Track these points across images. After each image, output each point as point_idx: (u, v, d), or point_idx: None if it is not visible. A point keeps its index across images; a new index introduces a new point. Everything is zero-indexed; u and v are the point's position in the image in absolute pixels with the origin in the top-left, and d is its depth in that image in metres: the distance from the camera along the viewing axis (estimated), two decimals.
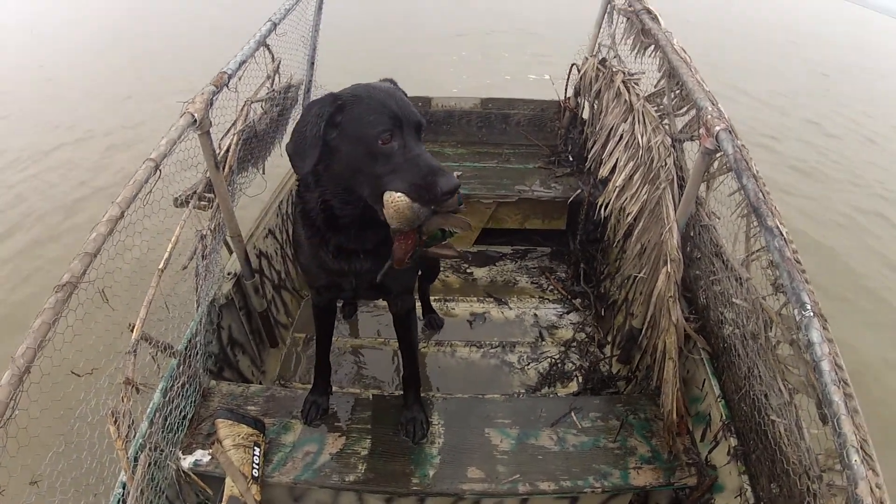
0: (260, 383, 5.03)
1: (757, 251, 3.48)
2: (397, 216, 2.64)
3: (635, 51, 5.39)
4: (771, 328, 3.24)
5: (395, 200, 2.62)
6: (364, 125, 2.70)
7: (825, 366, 2.47)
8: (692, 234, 4.21)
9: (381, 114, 2.71)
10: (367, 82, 3.01)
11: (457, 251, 3.49)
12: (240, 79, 4.21)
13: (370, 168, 2.72)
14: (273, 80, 5.09)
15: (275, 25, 4.72)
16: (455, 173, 2.66)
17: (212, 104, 3.73)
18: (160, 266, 3.47)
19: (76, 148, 11.09)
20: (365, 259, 3.26)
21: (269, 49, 4.83)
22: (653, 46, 4.96)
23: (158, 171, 3.17)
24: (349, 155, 2.77)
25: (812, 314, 2.61)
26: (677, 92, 4.57)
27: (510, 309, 6.31)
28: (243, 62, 4.14)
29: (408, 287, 3.89)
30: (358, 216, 3.03)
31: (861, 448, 2.31)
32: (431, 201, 2.64)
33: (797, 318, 2.67)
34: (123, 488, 3.03)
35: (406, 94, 3.03)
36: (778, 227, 2.93)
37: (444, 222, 2.92)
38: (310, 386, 4.18)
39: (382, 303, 5.16)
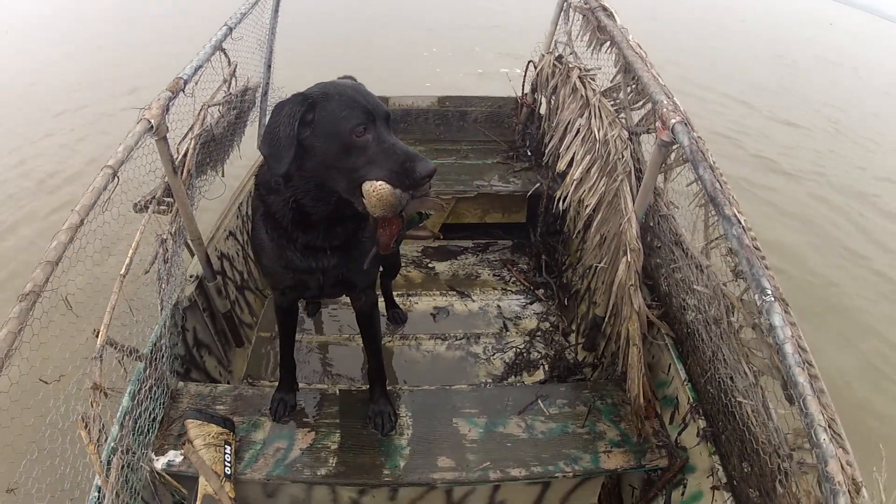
0: (227, 383, 5.04)
1: (716, 239, 3.55)
2: (381, 204, 2.70)
3: (591, 47, 5.43)
4: (733, 313, 3.30)
5: (378, 189, 2.68)
6: (338, 121, 2.75)
7: (789, 348, 2.51)
8: (652, 224, 4.25)
9: (352, 108, 2.77)
10: (329, 80, 3.05)
11: (431, 232, 3.60)
12: (196, 83, 4.21)
13: (346, 162, 2.77)
14: (230, 84, 5.10)
15: (230, 30, 4.72)
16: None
17: (168, 110, 3.73)
18: (122, 271, 3.46)
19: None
20: (332, 255, 3.31)
21: (225, 53, 4.83)
22: (608, 42, 5.00)
23: (116, 178, 3.17)
24: (324, 151, 2.80)
25: (773, 298, 2.65)
26: (633, 86, 4.62)
27: (473, 301, 6.36)
28: (199, 67, 4.15)
29: (371, 281, 3.94)
30: (328, 213, 3.09)
31: (829, 427, 2.35)
32: (411, 186, 2.73)
33: (758, 303, 2.71)
34: (99, 492, 3.03)
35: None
36: (736, 216, 2.97)
37: (421, 206, 3.02)
38: (277, 384, 4.19)
39: (345, 300, 5.19)
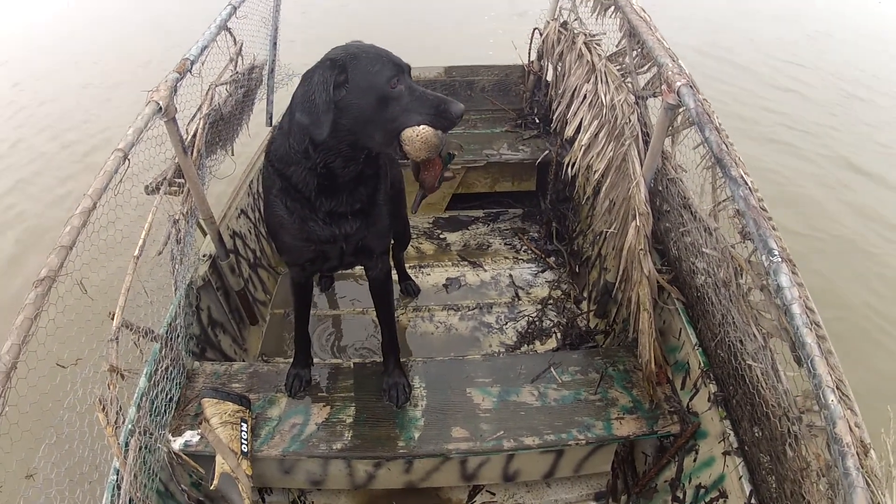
0: (242, 361, 5.05)
1: (723, 201, 3.54)
2: (425, 146, 2.86)
3: (595, 12, 5.39)
4: (741, 275, 3.31)
5: (421, 133, 2.84)
6: (373, 76, 2.87)
7: (796, 309, 2.53)
8: (660, 188, 4.25)
9: (383, 63, 2.90)
10: (345, 44, 3.11)
11: (453, 172, 3.72)
12: (203, 64, 4.21)
13: (384, 114, 2.90)
14: (236, 63, 5.10)
15: (235, 9, 4.73)
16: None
17: (176, 91, 3.74)
18: (135, 253, 3.49)
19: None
20: (354, 220, 3.39)
21: (230, 32, 4.82)
22: (612, 7, 4.97)
23: (127, 161, 3.19)
24: (360, 108, 2.90)
25: (780, 259, 2.67)
26: (638, 51, 4.59)
27: (485, 271, 6.37)
28: (205, 47, 4.16)
29: (387, 247, 3.99)
30: (356, 173, 3.20)
31: (837, 388, 2.37)
32: (449, 126, 2.91)
33: (766, 264, 2.72)
34: (117, 474, 3.07)
35: None
36: (742, 177, 2.98)
37: (447, 147, 3.18)
38: (291, 360, 4.22)
39: (358, 273, 5.22)
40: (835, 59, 14.29)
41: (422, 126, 2.83)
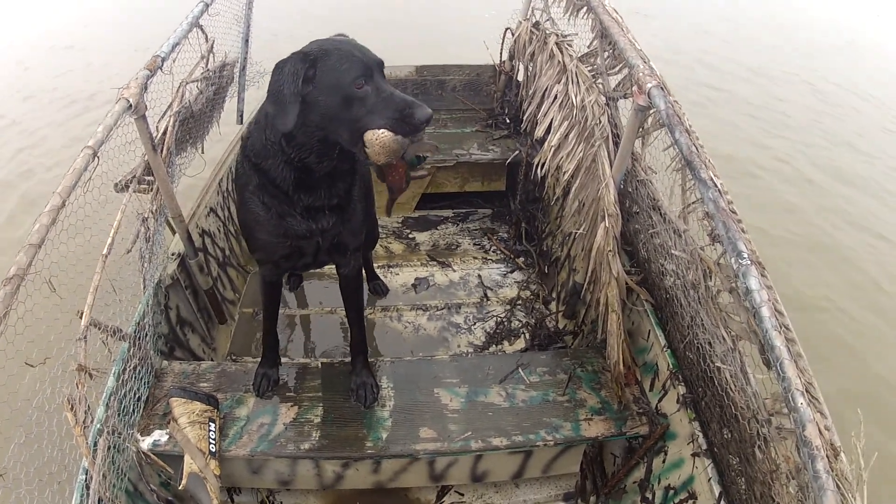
0: (211, 360, 5.03)
1: (693, 203, 3.56)
2: (384, 151, 2.83)
3: (568, 13, 5.40)
4: (711, 277, 3.33)
5: (380, 137, 2.81)
6: (339, 74, 2.86)
7: (765, 312, 2.54)
8: (630, 189, 4.26)
9: (351, 62, 2.88)
10: (325, 38, 3.16)
11: (425, 171, 3.72)
12: (174, 61, 4.19)
13: (348, 113, 2.88)
14: (208, 60, 5.07)
15: (207, 6, 4.71)
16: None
17: (146, 88, 3.73)
18: (104, 251, 3.46)
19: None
20: (331, 215, 3.41)
21: (202, 29, 4.80)
22: (584, 8, 4.98)
23: (97, 158, 3.17)
24: (327, 104, 2.90)
25: (749, 262, 2.69)
26: (610, 52, 4.60)
27: (454, 271, 6.38)
28: (176, 44, 4.14)
29: (360, 244, 3.98)
30: (331, 168, 3.21)
31: (806, 391, 2.39)
32: (411, 132, 2.86)
33: (735, 267, 2.75)
34: (86, 474, 3.05)
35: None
36: (712, 179, 3.00)
37: (418, 149, 3.18)
38: (259, 359, 4.21)
39: (326, 272, 5.21)
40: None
41: (381, 130, 2.81)
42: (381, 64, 2.97)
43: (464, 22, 14.94)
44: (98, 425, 3.22)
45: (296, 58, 2.90)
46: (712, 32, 16.22)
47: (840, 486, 2.25)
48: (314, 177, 3.22)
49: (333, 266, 4.05)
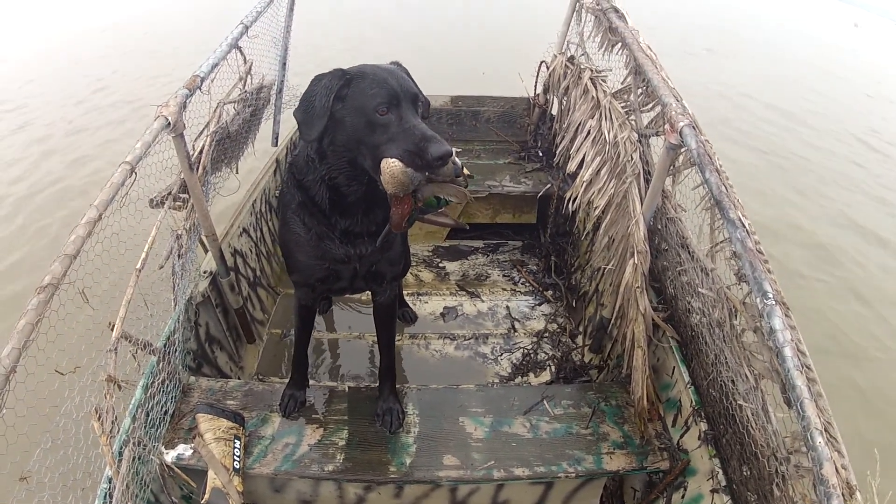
0: (238, 378, 5.07)
1: (721, 242, 3.56)
2: (392, 181, 2.76)
3: (603, 48, 5.43)
4: (736, 316, 3.32)
5: (390, 166, 2.75)
6: (365, 98, 2.86)
7: (788, 352, 2.55)
8: (659, 226, 4.28)
9: (380, 88, 2.87)
10: (375, 63, 3.16)
11: (453, 220, 3.65)
12: (212, 81, 4.24)
13: (371, 138, 2.87)
14: (245, 82, 5.12)
15: (246, 28, 4.77)
16: (454, 150, 2.82)
17: (185, 107, 3.78)
18: (137, 266, 3.51)
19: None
20: (369, 241, 3.42)
21: (240, 51, 4.86)
22: (620, 44, 5.01)
23: (134, 174, 3.22)
24: (352, 125, 2.91)
25: (774, 302, 2.69)
26: (643, 88, 4.63)
27: (482, 301, 6.39)
28: (215, 65, 4.20)
29: (398, 274, 4.03)
30: (364, 194, 3.21)
31: (825, 430, 2.39)
32: (424, 167, 2.77)
33: (759, 307, 2.75)
34: (109, 483, 3.08)
35: (410, 75, 3.19)
36: (740, 219, 3.01)
37: (440, 190, 3.03)
38: (287, 380, 4.24)
39: (356, 297, 5.25)
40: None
41: (393, 159, 2.77)
42: (413, 96, 2.97)
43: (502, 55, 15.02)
44: (124, 436, 3.25)
45: (334, 74, 2.95)
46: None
47: None
48: (347, 200, 3.24)
49: (362, 292, 4.08)
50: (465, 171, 3.07)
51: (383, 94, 2.85)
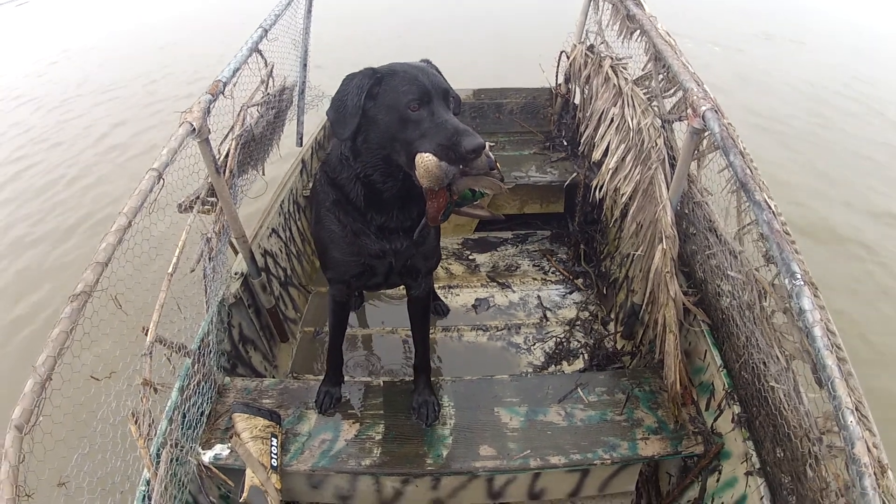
0: (273, 377, 5.11)
1: (748, 225, 3.56)
2: (426, 175, 2.82)
3: (621, 36, 5.42)
4: (765, 298, 3.33)
5: (425, 160, 2.80)
6: (398, 95, 2.93)
7: (817, 332, 2.55)
8: (686, 211, 4.27)
9: (411, 84, 2.94)
10: (405, 61, 3.20)
11: (489, 212, 3.68)
12: (234, 85, 4.28)
13: (404, 134, 2.94)
14: (267, 84, 5.17)
15: (266, 31, 4.80)
16: (488, 144, 2.87)
17: (209, 112, 3.82)
18: (169, 270, 3.55)
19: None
20: (404, 237, 3.46)
21: (261, 54, 4.89)
22: (638, 31, 5.00)
23: (162, 180, 3.26)
24: (385, 123, 2.98)
25: (802, 283, 2.69)
26: (664, 74, 4.61)
27: (513, 292, 6.40)
28: (237, 69, 4.24)
29: (432, 268, 4.07)
30: (398, 189, 3.25)
31: (856, 409, 2.39)
32: (458, 160, 2.83)
33: (788, 287, 2.75)
34: (147, 485, 3.12)
35: (440, 72, 3.24)
36: (766, 201, 3.01)
37: (475, 183, 3.09)
38: (321, 377, 4.27)
39: (388, 292, 5.27)
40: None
41: (427, 154, 2.82)
42: (444, 92, 3.00)
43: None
44: (161, 438, 3.30)
45: (364, 73, 2.99)
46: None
47: (886, 501, 2.26)
48: (382, 196, 3.27)
49: (394, 287, 4.11)
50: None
51: (414, 91, 2.91)
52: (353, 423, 4.02)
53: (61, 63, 16.53)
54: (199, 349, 3.84)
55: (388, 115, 2.95)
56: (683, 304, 4.12)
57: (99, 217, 9.13)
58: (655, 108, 4.75)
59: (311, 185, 5.92)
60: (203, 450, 3.69)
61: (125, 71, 15.25)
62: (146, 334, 3.31)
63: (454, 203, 3.14)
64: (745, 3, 20.49)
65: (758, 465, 3.47)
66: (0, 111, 13.62)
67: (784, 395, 3.14)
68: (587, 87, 6.26)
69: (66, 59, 16.90)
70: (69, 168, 10.78)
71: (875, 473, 2.25)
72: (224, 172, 4.24)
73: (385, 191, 3.24)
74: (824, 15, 19.84)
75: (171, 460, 3.28)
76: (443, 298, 6.17)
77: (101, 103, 13.44)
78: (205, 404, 3.87)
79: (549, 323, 5.97)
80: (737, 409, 3.73)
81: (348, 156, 3.18)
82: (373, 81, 2.96)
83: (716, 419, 3.93)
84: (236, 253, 4.87)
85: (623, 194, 4.84)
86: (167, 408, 3.51)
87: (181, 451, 3.44)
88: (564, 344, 5.66)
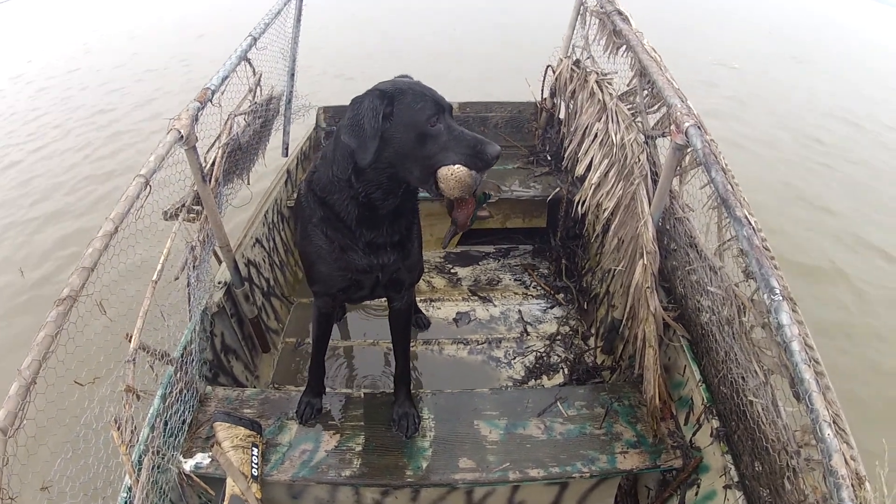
0: (254, 387, 5.09)
1: (728, 240, 3.58)
2: (459, 185, 2.92)
3: (608, 51, 5.44)
4: (744, 313, 3.35)
5: (455, 172, 2.91)
6: (415, 113, 2.96)
7: (795, 346, 2.57)
8: (668, 226, 4.30)
9: (426, 101, 2.99)
10: (392, 79, 3.26)
11: (489, 212, 3.82)
12: (223, 93, 4.28)
13: (422, 150, 2.98)
14: (255, 93, 5.17)
15: (255, 40, 4.80)
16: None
17: (197, 119, 3.83)
18: (154, 277, 3.55)
19: None
20: (391, 251, 3.49)
21: (250, 63, 4.90)
22: (624, 47, 5.02)
23: (148, 187, 3.26)
24: (401, 142, 2.99)
25: (780, 298, 2.71)
26: (649, 90, 4.64)
27: (495, 306, 6.41)
28: (225, 77, 4.24)
29: (415, 280, 4.14)
30: (395, 206, 3.29)
31: (833, 422, 2.41)
32: (484, 167, 2.95)
33: (767, 303, 2.76)
34: (129, 492, 3.12)
35: None
36: (746, 217, 3.03)
37: (484, 187, 3.22)
38: (302, 388, 4.27)
39: (370, 304, 5.29)
40: None
41: (457, 165, 2.90)
42: (448, 105, 3.06)
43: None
44: (143, 445, 3.30)
45: (373, 94, 2.99)
46: None
47: None
48: (378, 214, 3.30)
49: (377, 299, 4.12)
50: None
51: (430, 107, 2.96)
52: (334, 434, 4.02)
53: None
54: (181, 357, 3.84)
55: (405, 133, 2.97)
56: (663, 320, 4.15)
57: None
58: (639, 124, 4.78)
59: (295, 195, 5.93)
60: (184, 458, 3.68)
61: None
62: (130, 341, 3.31)
63: (477, 207, 3.33)
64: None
65: (736, 479, 3.49)
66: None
67: (762, 409, 3.17)
68: (572, 101, 6.27)
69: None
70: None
71: (853, 485, 2.27)
72: (210, 181, 4.24)
73: (383, 208, 3.27)
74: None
75: (153, 468, 3.28)
76: (424, 311, 6.17)
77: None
78: (186, 412, 3.87)
79: (529, 337, 5.98)
80: (715, 423, 3.76)
81: (349, 178, 3.18)
82: (385, 102, 2.96)
83: (695, 433, 3.96)
84: (220, 262, 4.88)
85: (605, 210, 4.86)
86: (149, 415, 3.51)
87: (163, 458, 3.43)
88: (544, 358, 5.67)
